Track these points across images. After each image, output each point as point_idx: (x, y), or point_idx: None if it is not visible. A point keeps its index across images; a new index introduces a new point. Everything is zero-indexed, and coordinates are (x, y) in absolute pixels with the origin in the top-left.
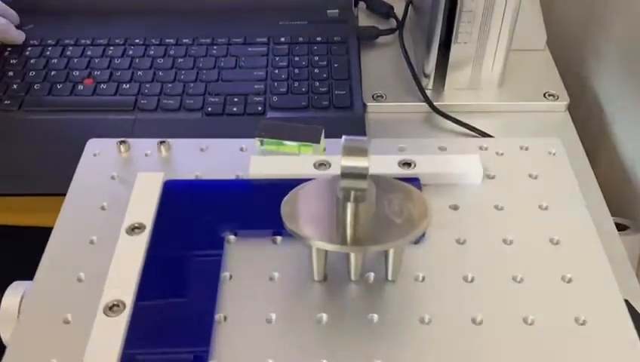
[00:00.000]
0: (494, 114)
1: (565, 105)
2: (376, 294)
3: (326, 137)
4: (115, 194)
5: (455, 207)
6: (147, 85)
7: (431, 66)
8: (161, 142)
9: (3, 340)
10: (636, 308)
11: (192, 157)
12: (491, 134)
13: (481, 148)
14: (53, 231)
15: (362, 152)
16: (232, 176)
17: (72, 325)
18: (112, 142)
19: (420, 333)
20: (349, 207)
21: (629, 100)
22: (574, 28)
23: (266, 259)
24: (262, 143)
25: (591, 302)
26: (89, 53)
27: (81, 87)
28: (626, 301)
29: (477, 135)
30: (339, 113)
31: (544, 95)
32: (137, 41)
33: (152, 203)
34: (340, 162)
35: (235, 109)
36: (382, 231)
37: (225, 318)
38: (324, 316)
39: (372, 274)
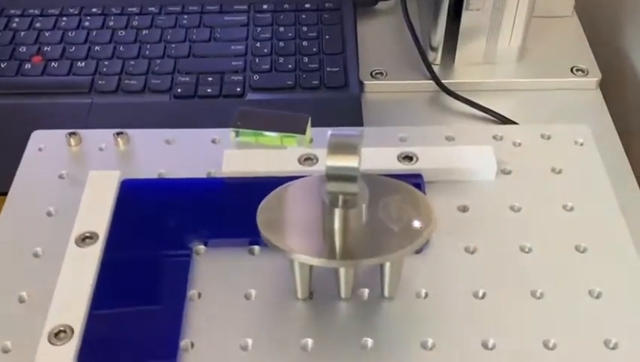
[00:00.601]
0: (512, 93)
1: (596, 82)
2: (370, 314)
3: (315, 125)
4: (63, 197)
5: (464, 209)
6: (106, 63)
7: (439, 38)
8: (118, 134)
9: None
10: None
11: (155, 151)
12: (508, 117)
13: (495, 137)
14: None
15: (351, 149)
16: (202, 175)
17: (11, 354)
18: (60, 134)
19: (422, 360)
20: (337, 214)
21: None
22: None
23: (241, 273)
24: (237, 134)
25: (624, 321)
26: (38, 25)
27: (29, 65)
28: None
29: (492, 118)
30: (331, 94)
31: (571, 70)
32: (94, 10)
33: (106, 207)
34: (325, 162)
35: (209, 91)
36: (377, 241)
37: (192, 345)
38: (310, 341)
39: (366, 291)
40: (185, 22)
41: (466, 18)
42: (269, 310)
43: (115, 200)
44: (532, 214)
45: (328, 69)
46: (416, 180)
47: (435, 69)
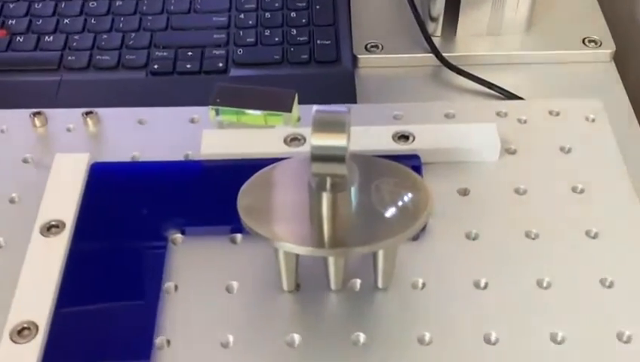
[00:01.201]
0: (519, 67)
1: (610, 55)
2: (363, 307)
3: (303, 103)
4: (27, 182)
5: (465, 192)
6: (76, 37)
7: (439, 7)
8: (88, 113)
9: None
10: None
11: (128, 132)
12: (515, 93)
13: (498, 114)
14: None
15: (339, 127)
16: (179, 157)
17: None
18: (24, 113)
19: (418, 356)
20: (325, 198)
21: None
22: None
23: (222, 264)
24: (217, 113)
25: (639, 312)
26: None
27: None
28: None
29: (497, 93)
30: (322, 69)
31: (583, 41)
32: None
33: (74, 193)
34: (310, 141)
35: (188, 66)
36: (369, 228)
37: (168, 343)
38: (297, 337)
39: (358, 282)
40: None
41: None
42: (252, 303)
43: (84, 185)
44: (539, 197)
45: (319, 42)
46: (412, 161)
47: (435, 41)
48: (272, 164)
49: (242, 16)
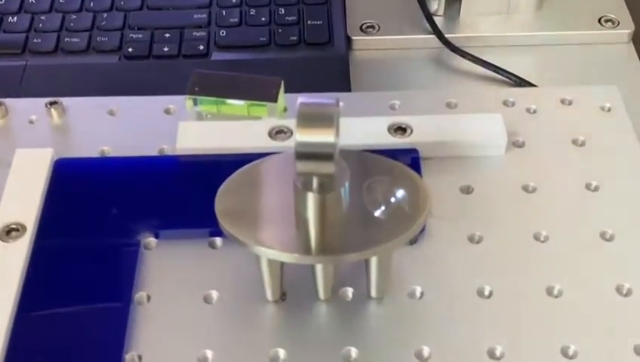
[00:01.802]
0: (529, 49)
1: (629, 35)
2: (355, 318)
3: (291, 90)
4: None
5: (468, 190)
6: (42, 17)
7: None
8: (52, 104)
9: None
10: None
11: (97, 124)
12: (525, 78)
13: (505, 103)
14: None
15: (326, 121)
16: (153, 152)
17: None
18: None
19: None
20: (312, 200)
21: None
22: None
23: (200, 271)
24: (196, 102)
25: None
26: None
27: None
28: None
29: (504, 79)
30: (312, 52)
31: (599, 21)
32: None
33: (36, 193)
34: (295, 137)
35: (165, 49)
36: (360, 232)
37: (140, 358)
38: (282, 352)
39: (349, 290)
40: None
41: None
42: (233, 315)
43: (48, 184)
44: (549, 195)
45: (309, 22)
46: (410, 157)
47: (437, 20)
48: (255, 161)
49: None
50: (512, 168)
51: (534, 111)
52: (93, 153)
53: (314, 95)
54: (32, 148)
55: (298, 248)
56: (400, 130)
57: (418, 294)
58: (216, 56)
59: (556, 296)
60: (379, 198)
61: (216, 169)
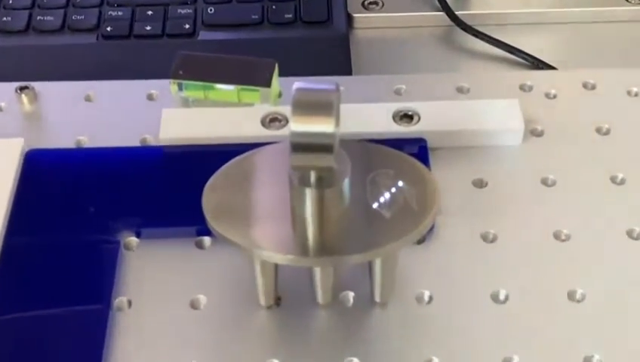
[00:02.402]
0: (549, 28)
1: None
2: (356, 325)
3: (286, 74)
4: None
5: (481, 184)
6: None
7: None
8: (22, 89)
9: None
10: None
11: (72, 111)
12: (543, 60)
13: (523, 87)
14: None
15: (325, 109)
16: (134, 142)
17: None
18: None
19: None
20: (309, 196)
21: None
22: None
23: (186, 273)
24: (181, 87)
25: None
26: None
27: None
28: None
29: (521, 60)
30: (310, 31)
31: None
32: None
33: (5, 187)
34: (290, 126)
35: (148, 28)
36: (363, 231)
37: None
38: None
39: (351, 295)
40: None
41: None
42: (222, 322)
43: (18, 177)
44: (571, 190)
45: None
46: (417, 147)
47: None
48: (247, 152)
49: None
50: (530, 159)
51: (554, 97)
52: (69, 143)
53: (311, 79)
54: (1, 138)
55: (294, 249)
56: (406, 117)
57: (426, 299)
58: (204, 35)
59: (578, 301)
60: (383, 193)
61: (203, 161)
